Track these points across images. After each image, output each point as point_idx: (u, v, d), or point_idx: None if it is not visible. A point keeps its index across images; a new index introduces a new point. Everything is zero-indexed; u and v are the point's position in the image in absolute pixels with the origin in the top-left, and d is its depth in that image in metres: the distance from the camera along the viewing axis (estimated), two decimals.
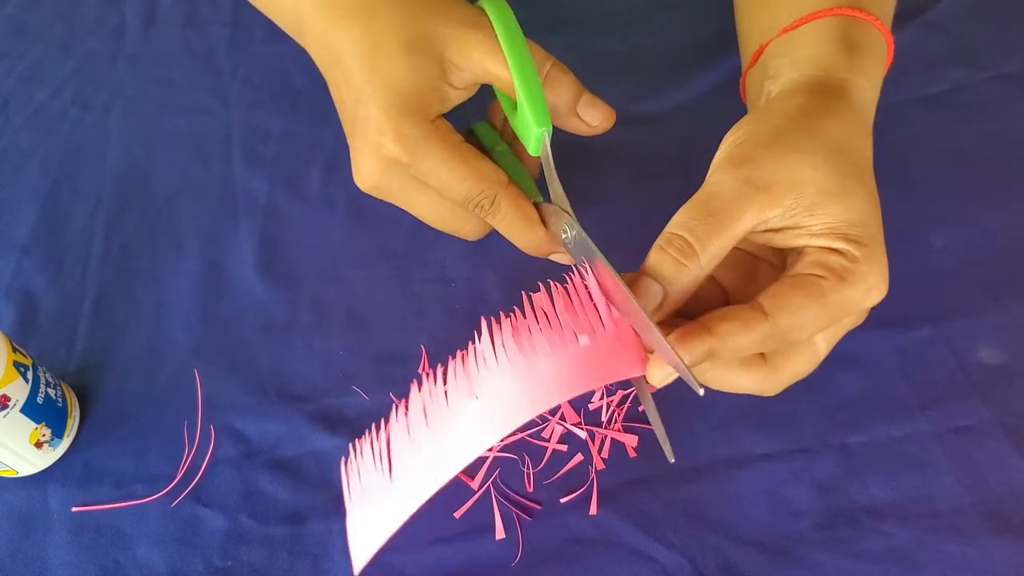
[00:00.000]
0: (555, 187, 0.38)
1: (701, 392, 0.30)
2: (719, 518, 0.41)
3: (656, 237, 0.33)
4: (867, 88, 0.36)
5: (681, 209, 0.32)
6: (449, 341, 0.47)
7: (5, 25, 0.66)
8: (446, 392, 0.35)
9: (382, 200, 0.41)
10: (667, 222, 0.33)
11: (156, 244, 0.53)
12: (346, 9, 0.37)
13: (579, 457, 0.43)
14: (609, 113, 0.40)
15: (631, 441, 0.43)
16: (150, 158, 0.57)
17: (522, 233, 0.40)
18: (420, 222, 0.52)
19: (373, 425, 0.38)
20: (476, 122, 0.46)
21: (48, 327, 0.50)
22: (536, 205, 0.40)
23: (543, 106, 0.38)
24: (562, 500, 0.42)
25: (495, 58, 0.37)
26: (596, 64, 0.58)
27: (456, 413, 0.34)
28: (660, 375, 0.32)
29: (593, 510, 0.41)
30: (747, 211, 0.31)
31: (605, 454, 0.43)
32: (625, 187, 0.52)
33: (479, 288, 0.49)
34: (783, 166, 0.32)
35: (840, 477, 0.41)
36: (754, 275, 0.37)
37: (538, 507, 0.42)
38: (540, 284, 0.36)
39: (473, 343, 0.35)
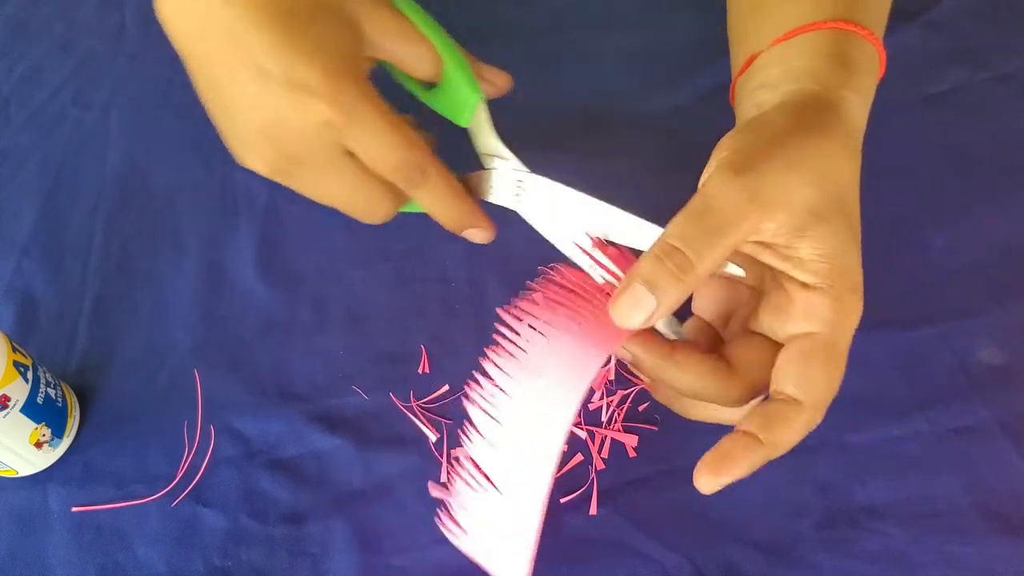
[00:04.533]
0: (499, 149, 0.38)
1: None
2: (719, 518, 0.41)
3: None
4: (860, 105, 0.36)
5: (678, 217, 0.32)
6: (449, 341, 0.47)
7: (5, 25, 0.66)
8: (504, 389, 0.34)
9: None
10: (667, 221, 0.33)
11: (156, 244, 0.53)
12: None
13: (579, 457, 0.43)
14: (507, 77, 0.41)
15: (631, 441, 0.43)
16: (150, 158, 0.57)
17: (449, 203, 0.38)
18: (422, 221, 0.52)
19: (444, 467, 0.38)
20: None
21: (48, 327, 0.50)
22: (464, 178, 0.40)
23: (471, 74, 0.38)
24: (562, 500, 0.42)
25: (410, 36, 0.37)
26: (596, 64, 0.58)
27: (526, 400, 0.34)
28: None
29: (593, 510, 0.41)
30: (743, 222, 0.31)
31: (605, 454, 0.43)
32: (625, 187, 0.51)
33: (479, 288, 0.49)
34: (781, 181, 0.32)
35: (840, 477, 0.41)
36: (727, 296, 0.37)
37: None
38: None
39: (504, 337, 0.35)
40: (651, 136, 0.54)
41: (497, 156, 0.39)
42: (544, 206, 0.37)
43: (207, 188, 0.55)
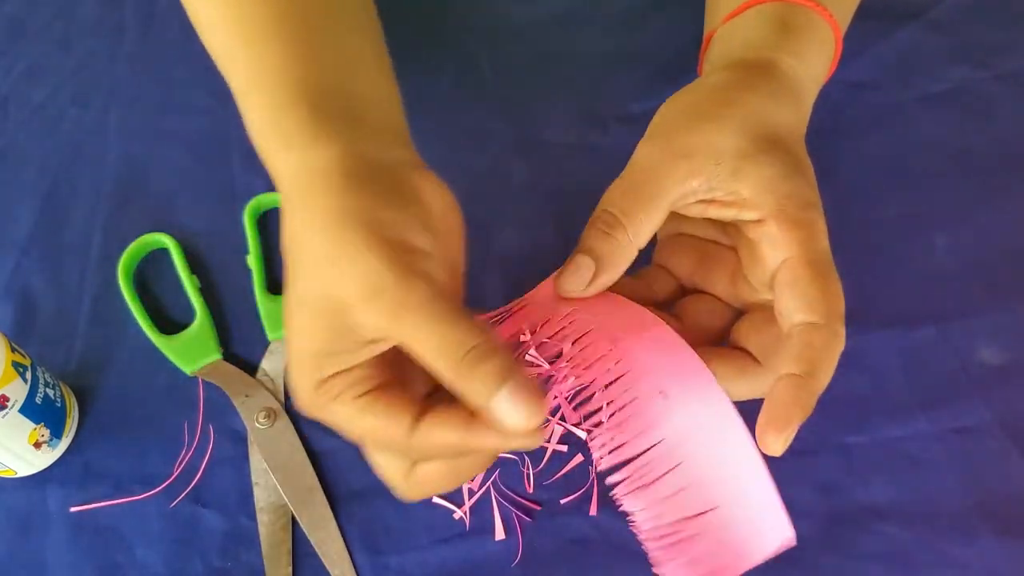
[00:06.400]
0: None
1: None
2: None
3: None
4: (797, 67, 0.36)
5: (610, 186, 0.34)
6: None
7: (5, 25, 0.66)
8: (627, 425, 0.33)
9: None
10: None
11: None
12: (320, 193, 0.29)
13: (579, 457, 0.43)
14: None
15: None
16: (150, 158, 0.57)
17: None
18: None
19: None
20: None
21: (48, 327, 0.50)
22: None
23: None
24: (562, 501, 0.42)
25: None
26: (596, 64, 0.58)
27: (664, 417, 0.32)
28: None
29: (593, 510, 0.41)
30: (668, 179, 0.32)
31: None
32: None
33: (479, 288, 0.49)
34: (699, 135, 0.33)
35: (840, 477, 0.41)
36: (707, 260, 0.37)
37: (538, 508, 0.42)
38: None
39: (585, 379, 0.34)
40: None
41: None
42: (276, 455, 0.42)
43: (207, 188, 0.55)
